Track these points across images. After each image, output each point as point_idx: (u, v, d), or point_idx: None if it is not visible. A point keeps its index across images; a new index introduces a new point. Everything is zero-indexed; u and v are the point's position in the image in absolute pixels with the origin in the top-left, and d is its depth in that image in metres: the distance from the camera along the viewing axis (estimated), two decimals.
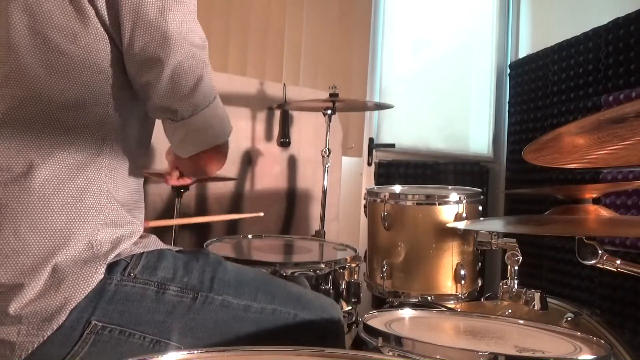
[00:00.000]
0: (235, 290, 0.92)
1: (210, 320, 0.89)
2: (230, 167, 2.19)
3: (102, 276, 0.81)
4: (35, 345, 0.77)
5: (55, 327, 0.77)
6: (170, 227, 1.76)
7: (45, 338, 0.77)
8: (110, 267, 0.83)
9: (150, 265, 0.87)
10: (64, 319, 0.78)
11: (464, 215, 1.46)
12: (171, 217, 1.76)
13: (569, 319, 1.20)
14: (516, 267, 1.33)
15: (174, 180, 1.30)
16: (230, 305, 0.91)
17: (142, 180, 1.00)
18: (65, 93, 0.83)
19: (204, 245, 1.55)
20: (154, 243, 0.93)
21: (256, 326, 0.93)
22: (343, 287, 1.40)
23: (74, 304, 0.78)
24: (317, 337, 0.99)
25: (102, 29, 0.84)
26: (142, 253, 0.88)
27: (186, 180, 1.37)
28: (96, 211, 0.84)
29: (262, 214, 1.67)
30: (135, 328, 0.83)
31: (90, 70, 0.84)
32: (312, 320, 0.98)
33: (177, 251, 0.96)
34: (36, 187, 0.79)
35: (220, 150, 1.01)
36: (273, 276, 1.24)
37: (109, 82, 0.86)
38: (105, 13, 0.83)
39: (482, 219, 1.55)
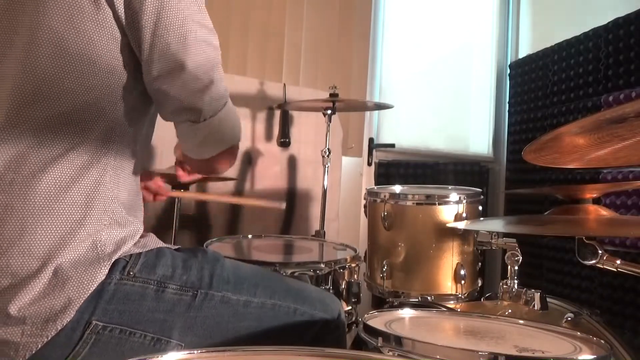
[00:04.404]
0: (234, 287, 0.92)
1: (210, 317, 0.89)
2: None
3: (104, 276, 0.81)
4: (39, 346, 0.77)
5: (59, 328, 0.77)
6: (170, 227, 1.76)
7: (49, 338, 0.77)
8: (110, 267, 0.83)
9: (149, 264, 0.87)
10: (68, 319, 0.78)
11: (464, 215, 1.46)
12: (171, 217, 1.76)
13: (569, 319, 1.20)
14: (516, 267, 1.33)
15: (186, 177, 1.30)
16: (230, 302, 0.91)
17: (139, 180, 0.99)
18: (76, 93, 0.82)
19: (204, 245, 1.55)
20: (153, 242, 0.93)
21: (257, 321, 0.93)
22: (343, 287, 1.40)
23: (78, 305, 0.78)
24: (318, 331, 0.99)
25: (118, 31, 0.84)
26: (141, 252, 0.88)
27: (196, 175, 1.37)
28: (101, 212, 0.84)
29: (284, 204, 1.66)
30: (136, 327, 0.83)
31: (102, 71, 0.84)
32: (313, 314, 0.99)
33: (175, 249, 0.96)
34: (43, 187, 0.79)
35: (233, 149, 1.02)
36: (272, 272, 1.24)
37: (119, 84, 0.86)
38: (123, 15, 0.83)
39: (482, 219, 1.55)
